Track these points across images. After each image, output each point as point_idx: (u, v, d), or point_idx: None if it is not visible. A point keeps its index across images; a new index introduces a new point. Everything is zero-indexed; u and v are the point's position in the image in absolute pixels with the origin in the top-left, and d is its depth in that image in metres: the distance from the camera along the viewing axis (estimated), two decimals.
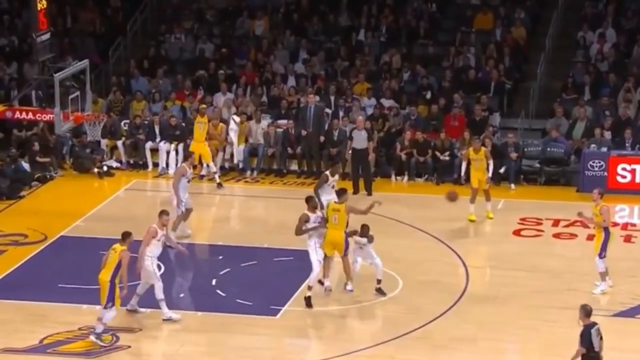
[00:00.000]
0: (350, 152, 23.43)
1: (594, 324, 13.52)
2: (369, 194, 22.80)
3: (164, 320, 16.63)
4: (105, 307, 15.81)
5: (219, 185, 23.38)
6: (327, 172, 19.44)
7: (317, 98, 25.96)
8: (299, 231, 17.33)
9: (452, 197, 20.44)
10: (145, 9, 29.75)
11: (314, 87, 26.55)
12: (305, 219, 17.22)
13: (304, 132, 24.38)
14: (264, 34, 28.67)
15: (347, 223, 17.28)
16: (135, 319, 16.77)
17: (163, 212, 17.04)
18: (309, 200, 17.53)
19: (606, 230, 17.60)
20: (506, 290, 18.17)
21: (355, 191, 22.95)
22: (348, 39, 28.31)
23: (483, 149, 21.22)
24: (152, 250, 16.63)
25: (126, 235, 16.08)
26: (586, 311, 13.52)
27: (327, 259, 17.28)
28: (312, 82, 26.87)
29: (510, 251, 20.00)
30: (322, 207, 17.91)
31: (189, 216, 20.09)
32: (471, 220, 20.98)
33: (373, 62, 27.58)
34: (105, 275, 15.80)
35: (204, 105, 24.20)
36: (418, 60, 27.22)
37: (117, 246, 15.93)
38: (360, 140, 22.96)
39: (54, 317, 16.75)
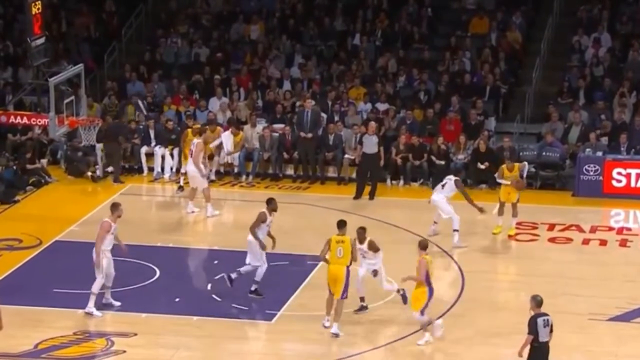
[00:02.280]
0: (351, 157, 23.69)
1: (544, 314, 13.83)
2: (371, 198, 22.77)
3: (85, 313, 16.73)
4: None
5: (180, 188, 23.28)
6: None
7: (313, 102, 26.00)
8: (253, 230, 17.01)
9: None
10: (140, 14, 29.73)
11: (309, 91, 26.56)
12: (262, 219, 17.01)
13: (302, 134, 24.36)
14: (260, 38, 28.68)
15: (351, 258, 15.88)
16: (130, 324, 16.74)
17: (116, 205, 17.12)
18: (270, 201, 17.34)
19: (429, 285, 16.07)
20: (501, 294, 18.17)
21: (357, 196, 22.91)
22: (343, 44, 28.33)
23: (516, 165, 20.89)
24: (105, 244, 16.79)
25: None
26: (537, 301, 13.98)
27: (329, 296, 16.13)
28: (307, 87, 26.87)
29: (505, 255, 20.00)
30: (262, 247, 16.99)
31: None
32: (495, 233, 20.80)
33: (368, 67, 27.60)
34: None
35: (197, 125, 23.85)
36: (413, 65, 27.24)
37: None
38: (371, 145, 22.96)
39: (49, 322, 16.72)
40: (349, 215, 22.14)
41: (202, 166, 21.42)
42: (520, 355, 13.96)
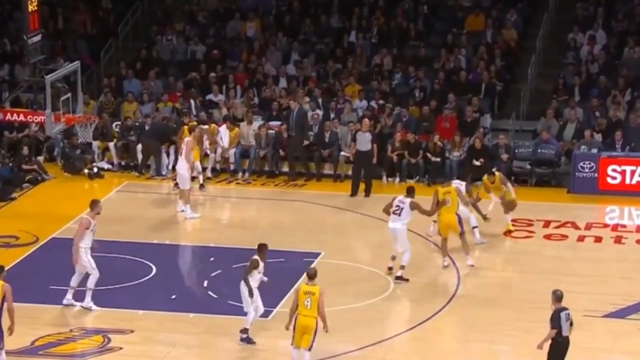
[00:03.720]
0: (347, 154, 23.65)
1: (565, 308, 13.81)
2: (367, 195, 22.77)
3: (82, 307, 16.83)
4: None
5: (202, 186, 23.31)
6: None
7: (307, 99, 26.02)
8: (246, 275, 15.80)
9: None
10: (136, 11, 29.70)
11: (304, 88, 26.56)
12: (255, 265, 15.83)
13: (285, 134, 24.39)
14: (256, 35, 28.66)
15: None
16: (126, 321, 16.73)
17: (96, 202, 17.14)
18: (262, 248, 15.95)
19: None
20: (497, 291, 18.18)
21: (353, 193, 22.88)
22: (340, 41, 28.32)
23: (497, 175, 20.60)
24: (85, 241, 16.75)
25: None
26: (557, 296, 13.99)
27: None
28: (303, 84, 26.87)
29: (501, 252, 20.02)
30: (251, 295, 15.76)
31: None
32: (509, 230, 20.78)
33: (364, 64, 27.59)
34: None
35: (193, 123, 23.89)
36: (409, 62, 27.24)
37: None
38: (364, 142, 22.94)
39: (46, 319, 16.72)
40: (345, 212, 22.24)
41: (189, 164, 21.27)
42: (540, 348, 13.94)
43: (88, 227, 16.85)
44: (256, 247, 16.07)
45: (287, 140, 24.55)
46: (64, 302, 17.00)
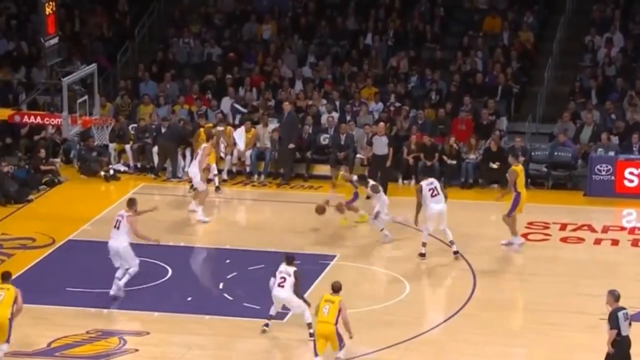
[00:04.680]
0: (363, 156, 23.81)
1: (622, 308, 13.77)
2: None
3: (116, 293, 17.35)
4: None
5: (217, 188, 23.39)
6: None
7: (324, 101, 26.08)
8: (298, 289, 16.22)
9: (320, 210, 20.69)
10: (153, 13, 29.81)
11: (321, 91, 26.61)
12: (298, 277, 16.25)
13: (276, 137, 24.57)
14: (272, 38, 28.73)
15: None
16: (142, 323, 16.82)
17: (133, 201, 17.87)
18: (289, 258, 16.41)
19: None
20: (513, 294, 18.18)
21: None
22: (356, 43, 28.35)
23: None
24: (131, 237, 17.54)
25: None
26: (614, 296, 13.92)
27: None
28: (319, 86, 26.92)
29: (517, 255, 20.00)
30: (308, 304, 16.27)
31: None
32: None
33: (380, 66, 27.63)
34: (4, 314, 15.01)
35: (210, 125, 24.02)
36: (425, 64, 27.25)
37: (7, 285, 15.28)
38: (381, 146, 23.01)
39: (62, 321, 16.81)
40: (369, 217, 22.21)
41: (202, 173, 21.42)
42: (612, 346, 13.84)
43: (133, 224, 17.51)
44: (285, 257, 16.41)
45: (306, 142, 24.64)
46: (111, 292, 17.48)
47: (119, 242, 17.39)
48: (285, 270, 16.25)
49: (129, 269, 17.52)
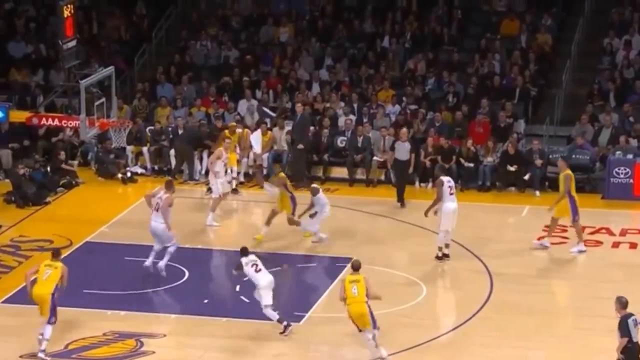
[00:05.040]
0: (380, 159, 23.95)
1: (631, 314, 13.64)
2: (403, 205, 22.60)
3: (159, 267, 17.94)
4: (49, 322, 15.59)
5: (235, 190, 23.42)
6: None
7: (342, 104, 26.10)
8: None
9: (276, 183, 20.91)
10: (170, 16, 29.92)
11: (338, 93, 26.64)
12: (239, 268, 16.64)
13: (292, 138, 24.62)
14: (289, 40, 28.78)
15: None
16: (159, 325, 16.87)
17: (170, 182, 18.71)
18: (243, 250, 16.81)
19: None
20: (531, 297, 18.13)
21: (402, 204, 22.71)
22: (373, 46, 28.36)
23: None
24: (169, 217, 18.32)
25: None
26: (622, 302, 13.78)
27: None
28: (336, 89, 26.95)
29: (535, 258, 19.96)
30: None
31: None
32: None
33: (397, 69, 27.63)
34: (47, 290, 15.57)
35: (233, 124, 24.14)
36: (443, 67, 27.24)
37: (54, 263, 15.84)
38: (403, 151, 22.92)
39: (79, 323, 16.88)
40: (377, 217, 22.27)
41: (214, 174, 21.60)
42: (622, 353, 13.74)
43: (171, 205, 18.17)
44: (240, 252, 16.71)
45: (325, 145, 24.68)
46: (146, 263, 18.14)
47: (158, 223, 18.16)
48: (250, 259, 16.55)
49: (169, 247, 18.15)
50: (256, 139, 24.62)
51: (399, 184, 23.01)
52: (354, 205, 22.87)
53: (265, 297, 16.37)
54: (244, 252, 16.70)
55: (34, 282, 15.74)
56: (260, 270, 16.46)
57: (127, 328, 16.76)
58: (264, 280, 16.41)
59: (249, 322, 16.99)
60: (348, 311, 15.48)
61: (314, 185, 20.45)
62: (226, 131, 23.66)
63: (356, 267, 15.79)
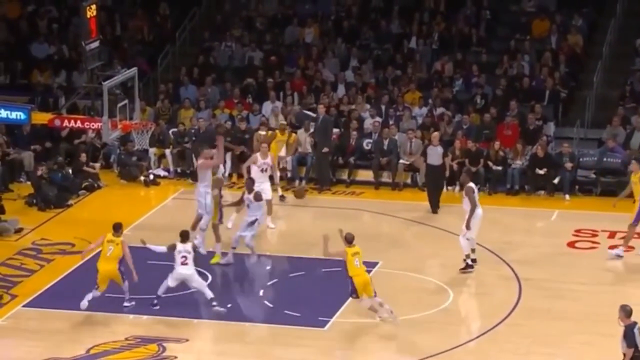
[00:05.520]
0: (406, 162, 23.93)
1: (635, 323, 13.49)
2: (434, 211, 22.40)
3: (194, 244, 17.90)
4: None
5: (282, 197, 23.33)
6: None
7: (368, 106, 26.10)
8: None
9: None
10: (194, 17, 30.03)
11: (364, 95, 26.64)
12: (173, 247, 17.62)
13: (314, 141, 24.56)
14: (314, 41, 28.82)
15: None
16: (181, 330, 16.94)
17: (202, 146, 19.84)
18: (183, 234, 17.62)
19: None
20: (560, 303, 18.05)
21: (434, 209, 22.52)
22: (399, 47, 28.35)
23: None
24: (206, 182, 19.71)
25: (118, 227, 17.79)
26: (626, 311, 13.59)
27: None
28: (362, 91, 26.95)
29: (564, 263, 19.89)
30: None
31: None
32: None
33: (425, 70, 27.60)
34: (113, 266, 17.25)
35: (283, 123, 24.08)
36: (470, 68, 27.18)
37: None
38: (435, 156, 22.75)
39: (101, 327, 16.97)
40: (403, 221, 22.23)
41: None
42: None
43: (208, 167, 19.28)
44: (179, 235, 17.43)
45: (354, 148, 24.68)
46: (195, 241, 18.43)
47: (198, 189, 19.46)
48: (184, 248, 17.22)
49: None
50: (279, 145, 24.61)
51: (431, 190, 22.81)
52: (379, 208, 22.86)
53: (166, 285, 17.29)
54: (184, 237, 17.36)
55: (99, 255, 17.29)
56: (186, 263, 17.19)
57: (149, 333, 16.83)
58: (183, 272, 17.20)
59: (272, 327, 17.03)
60: (354, 283, 16.52)
61: (258, 191, 19.82)
62: (261, 133, 23.56)
63: (350, 240, 16.81)
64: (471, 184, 19.29)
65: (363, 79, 27.39)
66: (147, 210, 22.64)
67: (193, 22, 29.96)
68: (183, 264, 17.20)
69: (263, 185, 20.91)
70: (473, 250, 19.32)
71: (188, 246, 17.31)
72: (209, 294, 17.37)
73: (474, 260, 19.23)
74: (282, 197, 23.27)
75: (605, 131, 24.98)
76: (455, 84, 27.02)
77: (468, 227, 18.82)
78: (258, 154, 21.61)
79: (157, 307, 17.39)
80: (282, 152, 24.66)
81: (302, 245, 20.50)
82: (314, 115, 25.63)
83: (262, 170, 21.26)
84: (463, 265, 19.05)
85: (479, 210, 19.17)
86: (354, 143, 24.98)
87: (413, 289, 18.48)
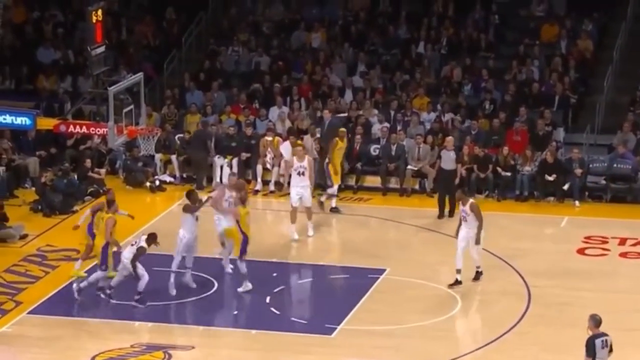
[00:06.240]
0: (414, 167, 23.96)
1: (602, 334, 13.45)
2: (451, 215, 22.12)
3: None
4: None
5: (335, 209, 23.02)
6: (145, 245, 18.00)
7: (376, 111, 26.13)
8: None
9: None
10: (200, 22, 30.12)
11: (372, 100, 26.69)
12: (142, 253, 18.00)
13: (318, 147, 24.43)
14: (321, 46, 28.88)
15: None
16: (187, 337, 16.98)
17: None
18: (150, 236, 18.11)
19: None
20: (570, 310, 18.05)
21: (441, 215, 22.54)
22: (407, 52, 28.40)
23: None
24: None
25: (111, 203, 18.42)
26: (595, 321, 13.54)
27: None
28: (370, 96, 27.00)
29: (574, 270, 19.89)
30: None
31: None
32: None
33: (433, 76, 27.64)
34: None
35: (343, 129, 23.62)
36: (479, 73, 27.22)
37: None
38: (449, 161, 22.78)
39: (106, 334, 17.02)
40: (411, 228, 22.25)
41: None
42: None
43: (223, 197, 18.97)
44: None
45: (358, 153, 24.64)
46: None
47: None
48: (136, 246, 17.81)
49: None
50: (286, 149, 24.64)
51: (442, 195, 22.78)
52: (387, 215, 22.88)
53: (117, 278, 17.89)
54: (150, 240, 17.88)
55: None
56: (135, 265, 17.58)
57: (155, 340, 16.85)
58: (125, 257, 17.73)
59: (279, 335, 17.05)
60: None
61: (187, 202, 19.11)
62: (267, 139, 23.64)
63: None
64: (472, 200, 18.89)
65: (371, 84, 27.44)
66: (153, 216, 22.69)
67: (199, 27, 30.04)
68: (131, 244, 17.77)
69: (302, 190, 20.87)
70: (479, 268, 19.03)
71: (142, 239, 17.81)
72: (141, 287, 17.58)
73: (479, 273, 19.10)
74: (335, 209, 22.92)
75: (616, 137, 24.99)
76: (464, 89, 27.06)
77: (478, 242, 18.57)
78: (294, 157, 21.52)
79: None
80: (288, 156, 24.55)
81: (308, 252, 20.54)
82: (345, 115, 25.55)
83: (299, 174, 21.14)
84: (474, 275, 18.91)
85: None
86: (358, 148, 25.00)
87: (421, 296, 18.49)
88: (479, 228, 18.47)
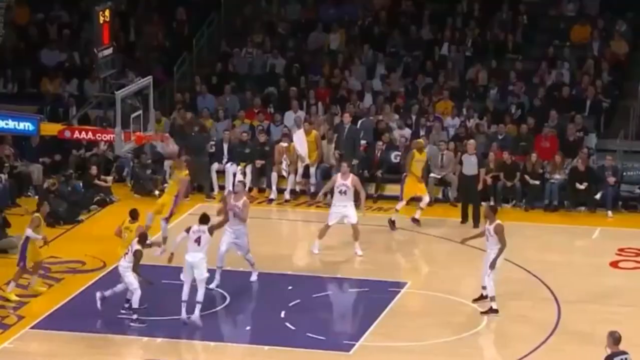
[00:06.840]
0: (437, 176, 24.02)
1: (622, 352, 13.35)
2: (476, 225, 22.04)
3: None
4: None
5: (415, 220, 22.78)
6: (140, 248, 18.02)
7: (396, 116, 26.13)
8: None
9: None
10: (212, 22, 30.20)
11: (392, 105, 26.69)
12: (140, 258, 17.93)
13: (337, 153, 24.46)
14: (339, 48, 28.92)
15: None
16: (198, 353, 16.98)
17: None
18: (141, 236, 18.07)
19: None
20: (602, 327, 17.85)
21: (464, 220, 22.68)
22: (430, 54, 28.41)
23: None
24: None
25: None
26: (614, 338, 13.44)
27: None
28: (390, 100, 27.01)
29: (607, 284, 19.84)
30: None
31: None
32: None
33: (457, 79, 27.64)
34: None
35: (420, 140, 23.63)
36: (506, 76, 27.20)
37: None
38: (470, 166, 22.78)
39: (113, 349, 17.07)
40: (434, 239, 22.23)
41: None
42: None
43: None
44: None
45: (379, 160, 24.65)
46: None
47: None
48: (200, 229, 17.80)
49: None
50: (300, 142, 24.53)
51: (465, 202, 22.81)
52: (408, 225, 22.86)
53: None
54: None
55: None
56: (198, 242, 17.61)
57: (164, 356, 16.88)
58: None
59: (294, 351, 17.05)
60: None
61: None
62: (283, 145, 23.80)
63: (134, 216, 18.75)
64: (499, 221, 18.23)
65: (391, 87, 27.45)
66: None
67: (211, 27, 30.12)
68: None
69: (344, 210, 20.66)
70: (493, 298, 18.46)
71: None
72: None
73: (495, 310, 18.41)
74: (415, 221, 22.60)
75: None
76: (490, 93, 27.05)
77: (493, 266, 17.95)
78: (338, 175, 21.27)
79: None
80: (303, 152, 24.46)
81: (326, 264, 20.54)
82: (371, 118, 25.65)
83: (340, 192, 20.87)
84: (486, 308, 18.22)
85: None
86: (380, 155, 24.98)
87: (444, 311, 18.46)
88: (499, 252, 17.98)
